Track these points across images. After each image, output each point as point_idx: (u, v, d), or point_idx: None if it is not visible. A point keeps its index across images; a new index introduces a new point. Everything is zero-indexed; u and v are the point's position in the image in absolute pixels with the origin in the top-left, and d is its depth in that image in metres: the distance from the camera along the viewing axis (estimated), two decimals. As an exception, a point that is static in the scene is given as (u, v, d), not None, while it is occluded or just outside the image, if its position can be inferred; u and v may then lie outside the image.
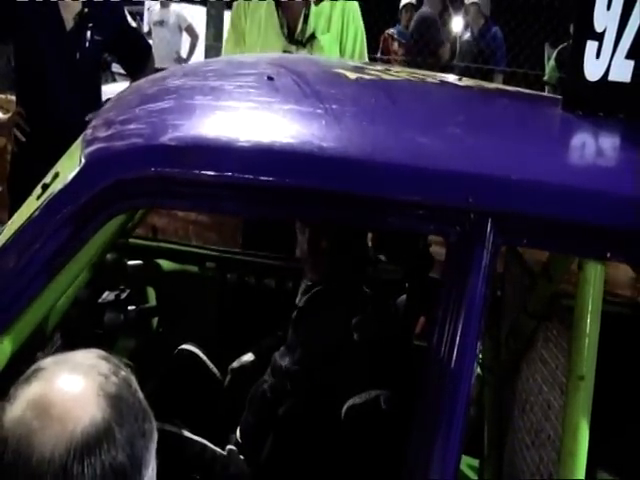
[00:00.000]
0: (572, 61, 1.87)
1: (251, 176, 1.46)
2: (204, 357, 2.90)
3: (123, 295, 2.71)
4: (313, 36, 3.48)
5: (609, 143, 1.75)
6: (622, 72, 1.91)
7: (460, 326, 1.52)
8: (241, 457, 2.58)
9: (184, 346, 2.91)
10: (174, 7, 8.64)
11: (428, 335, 1.61)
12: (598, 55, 1.83)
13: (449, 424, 1.49)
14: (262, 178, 1.46)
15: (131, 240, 3.05)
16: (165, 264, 3.10)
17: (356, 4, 3.63)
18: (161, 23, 8.37)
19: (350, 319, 2.38)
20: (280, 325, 2.74)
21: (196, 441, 2.53)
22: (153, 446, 1.09)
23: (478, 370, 2.66)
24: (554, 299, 1.96)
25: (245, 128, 1.54)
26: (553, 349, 1.89)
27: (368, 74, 1.97)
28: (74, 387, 1.05)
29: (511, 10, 7.90)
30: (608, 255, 1.54)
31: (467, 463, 2.88)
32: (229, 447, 2.60)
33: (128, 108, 1.68)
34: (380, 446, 2.22)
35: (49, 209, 1.50)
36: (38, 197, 1.58)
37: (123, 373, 1.11)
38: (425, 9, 7.77)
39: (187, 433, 2.53)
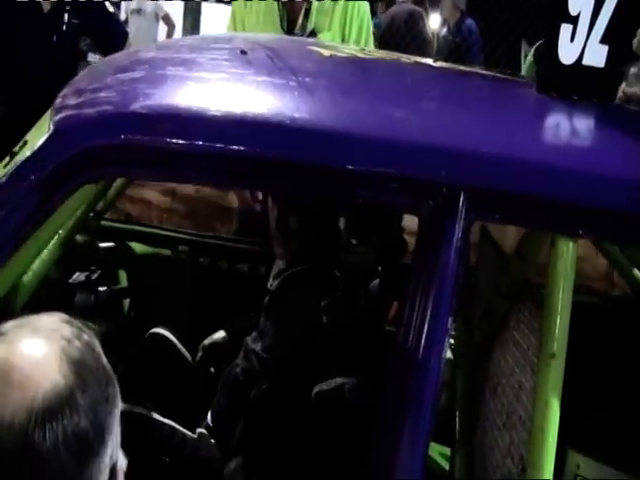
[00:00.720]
0: (546, 44, 1.87)
1: (222, 145, 1.44)
2: (175, 341, 2.88)
3: (94, 276, 2.68)
4: (313, 33, 3.44)
5: (583, 122, 1.75)
6: (596, 57, 1.91)
7: (432, 302, 1.50)
8: (212, 441, 2.56)
9: (155, 330, 2.89)
10: (152, -4, 8.60)
11: (399, 316, 1.59)
12: (572, 38, 1.82)
13: (418, 409, 1.47)
14: (233, 147, 1.44)
15: (103, 222, 3.02)
16: (137, 247, 3.08)
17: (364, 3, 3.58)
18: (138, 11, 8.32)
19: (320, 302, 2.36)
20: (252, 310, 2.73)
21: (165, 424, 2.51)
22: (117, 412, 1.07)
23: (450, 355, 2.66)
24: (527, 280, 1.95)
25: (216, 98, 1.52)
26: (525, 330, 1.88)
27: (342, 52, 1.96)
28: (35, 351, 1.02)
29: (488, 4, 7.88)
30: (580, 232, 1.54)
31: (439, 451, 2.87)
32: (199, 430, 2.58)
33: (99, 77, 1.66)
34: (343, 436, 2.20)
35: (16, 176, 1.47)
36: (5, 165, 1.55)
37: (86, 337, 1.08)
38: (406, 3, 7.73)
39: (157, 416, 2.51)
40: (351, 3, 3.51)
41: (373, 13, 8.44)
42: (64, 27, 3.60)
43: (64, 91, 1.65)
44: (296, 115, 1.48)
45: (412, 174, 1.48)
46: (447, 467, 2.77)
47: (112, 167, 1.51)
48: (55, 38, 3.59)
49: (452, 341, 2.70)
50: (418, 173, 1.48)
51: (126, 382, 2.69)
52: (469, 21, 7.79)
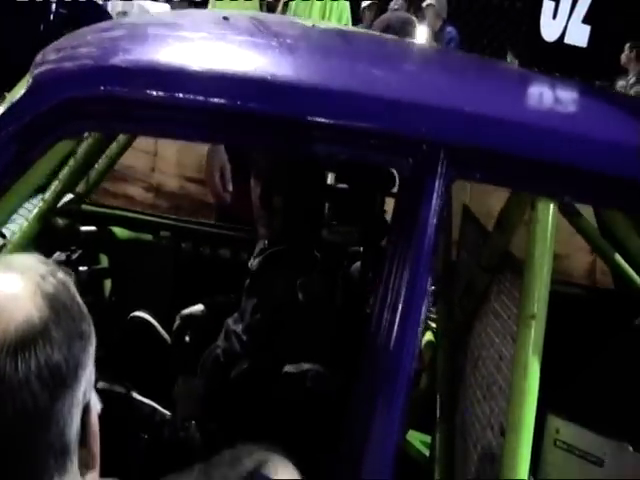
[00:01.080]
0: (529, 19, 1.87)
1: (202, 97, 1.44)
2: (156, 324, 2.86)
3: (74, 256, 2.67)
4: None
5: (565, 88, 1.75)
6: (578, 36, 1.92)
7: (410, 262, 1.50)
8: (192, 422, 2.54)
9: (136, 313, 2.87)
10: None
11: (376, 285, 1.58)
12: (555, 16, 1.83)
13: (391, 391, 1.47)
14: (213, 100, 1.44)
15: (84, 206, 3.00)
16: (119, 231, 3.05)
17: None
18: (124, 14, 8.34)
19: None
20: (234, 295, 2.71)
21: (145, 403, 2.49)
22: (91, 350, 1.06)
23: (431, 337, 2.65)
24: (507, 252, 1.95)
25: (198, 53, 1.52)
26: (505, 300, 1.87)
27: (325, 25, 1.96)
28: (9, 285, 1.01)
29: (471, 12, 7.93)
30: (560, 193, 1.54)
31: (420, 439, 2.86)
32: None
33: (80, 37, 1.66)
34: (300, 422, 2.18)
35: (-6, 127, 1.46)
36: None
37: (61, 275, 1.07)
38: (400, 11, 7.75)
39: (136, 395, 2.49)
40: (329, 2, 3.52)
41: (358, 20, 8.48)
42: (51, 17, 3.60)
43: (45, 49, 1.64)
44: (277, 71, 1.48)
45: (392, 130, 1.48)
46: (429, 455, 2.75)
47: (91, 120, 1.50)
48: (42, 27, 3.59)
49: (434, 325, 2.69)
50: (398, 129, 1.48)
51: (107, 364, 2.68)
52: (450, 29, 7.83)
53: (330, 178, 2.81)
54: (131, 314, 2.87)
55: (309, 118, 1.46)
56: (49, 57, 1.56)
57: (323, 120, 1.46)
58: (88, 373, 1.04)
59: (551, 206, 1.55)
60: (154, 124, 1.50)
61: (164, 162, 5.08)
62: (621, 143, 1.51)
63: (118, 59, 1.48)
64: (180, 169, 5.01)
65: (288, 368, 2.23)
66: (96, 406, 1.08)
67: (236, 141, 1.54)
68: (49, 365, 0.98)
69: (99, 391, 1.08)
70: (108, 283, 3.07)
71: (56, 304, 1.02)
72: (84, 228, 2.95)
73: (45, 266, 1.08)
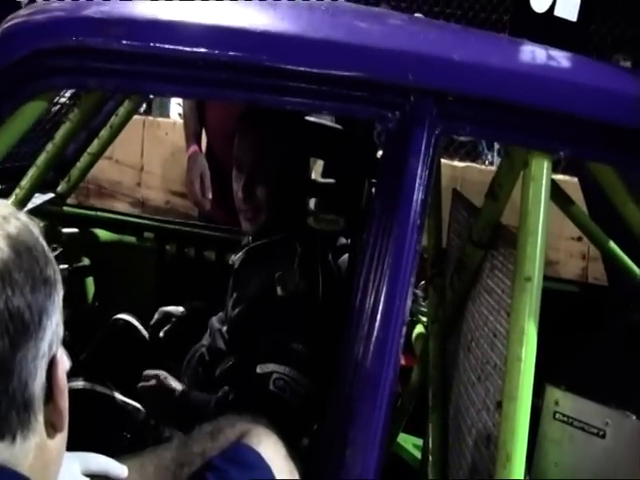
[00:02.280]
0: (517, -12, 1.84)
1: (178, 46, 1.37)
2: (139, 326, 2.79)
3: (55, 254, 2.59)
4: None
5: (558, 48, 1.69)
6: (568, 10, 1.89)
7: (399, 223, 1.43)
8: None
9: (119, 315, 2.80)
10: None
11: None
12: (544, -14, 1.79)
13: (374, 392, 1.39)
14: (189, 49, 1.37)
15: (66, 208, 2.94)
16: (102, 233, 2.99)
17: None
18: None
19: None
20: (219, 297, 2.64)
21: (128, 403, 2.41)
22: (57, 298, 0.98)
23: (422, 329, 2.58)
24: (500, 225, 1.88)
25: (173, 5, 1.45)
26: (499, 275, 1.80)
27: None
28: None
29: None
30: (556, 146, 1.47)
31: (413, 443, 2.78)
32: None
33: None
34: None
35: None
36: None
37: (25, 218, 1.00)
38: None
39: (119, 395, 2.42)
40: None
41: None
42: None
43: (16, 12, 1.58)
44: (256, 20, 1.42)
45: (377, 79, 1.41)
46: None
47: (63, 76, 1.44)
48: None
49: (424, 319, 2.63)
50: (384, 78, 1.41)
51: (89, 366, 2.60)
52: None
53: (316, 170, 2.76)
54: (114, 316, 2.80)
55: (290, 67, 1.39)
56: (19, 13, 1.50)
57: (304, 69, 1.39)
58: (54, 323, 0.97)
59: (545, 163, 1.48)
60: (129, 78, 1.43)
61: (150, 177, 5.04)
62: (620, 91, 1.45)
63: (91, 10, 1.43)
64: (166, 183, 4.97)
65: (260, 368, 2.14)
66: (64, 362, 1.01)
67: (214, 95, 1.48)
68: (10, 309, 0.90)
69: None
70: (91, 287, 3.00)
71: (18, 245, 0.94)
72: (66, 230, 2.89)
73: (7, 209, 1.01)
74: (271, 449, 1.32)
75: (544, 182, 1.49)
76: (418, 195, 1.41)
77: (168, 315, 2.65)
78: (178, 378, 2.51)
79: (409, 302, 1.42)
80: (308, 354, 2.13)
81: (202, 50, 1.39)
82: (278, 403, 2.07)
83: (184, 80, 1.43)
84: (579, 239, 4.31)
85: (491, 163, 6.09)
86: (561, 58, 1.58)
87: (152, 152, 5.07)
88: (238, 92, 1.45)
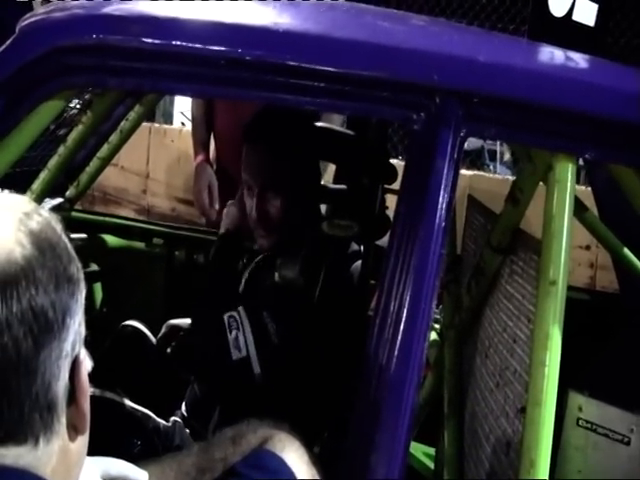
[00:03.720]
0: (537, -8, 1.84)
1: (200, 45, 1.35)
2: (148, 333, 2.76)
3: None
4: None
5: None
6: (586, 14, 1.88)
7: (424, 227, 1.41)
8: (186, 430, 2.45)
9: (128, 322, 2.78)
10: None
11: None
12: (563, -10, 1.78)
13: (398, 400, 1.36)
14: (212, 47, 1.35)
15: (74, 213, 2.91)
16: (110, 239, 2.96)
17: None
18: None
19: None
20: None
21: (138, 410, 2.39)
22: (80, 297, 0.96)
23: (436, 337, 2.55)
24: (519, 230, 1.86)
25: (194, 3, 1.44)
26: (519, 280, 1.78)
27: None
28: None
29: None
30: (582, 149, 1.45)
31: (423, 452, 2.75)
32: (173, 419, 2.46)
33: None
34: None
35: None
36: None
37: (47, 215, 0.98)
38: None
39: (129, 402, 2.39)
40: None
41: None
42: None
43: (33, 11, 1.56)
44: (280, 20, 1.40)
45: (402, 80, 1.39)
46: (432, 467, 2.65)
47: (82, 75, 1.41)
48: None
49: (437, 326, 2.60)
50: (409, 79, 1.39)
51: (98, 373, 2.58)
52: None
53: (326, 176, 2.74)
54: (123, 323, 2.78)
55: (313, 67, 1.37)
56: (37, 12, 1.48)
57: (327, 69, 1.37)
58: (77, 323, 0.94)
59: (570, 166, 1.46)
60: (150, 77, 1.41)
61: (155, 184, 5.03)
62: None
63: (111, 8, 1.41)
64: (171, 190, 4.96)
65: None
66: (86, 363, 0.98)
67: (236, 95, 1.46)
68: (33, 308, 0.88)
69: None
70: (99, 293, 2.97)
71: (41, 242, 0.92)
72: (74, 235, 2.86)
73: (30, 204, 0.98)
74: (294, 455, 1.29)
75: (569, 185, 1.47)
76: (444, 197, 1.38)
77: (175, 329, 2.62)
78: (188, 383, 2.50)
79: (434, 306, 1.40)
80: (281, 338, 2.12)
81: (224, 49, 1.37)
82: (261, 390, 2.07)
83: (205, 79, 1.41)
84: (587, 248, 4.30)
85: (494, 172, 6.10)
86: (585, 60, 1.56)
87: (158, 159, 5.06)
88: (260, 92, 1.43)
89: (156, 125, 5.25)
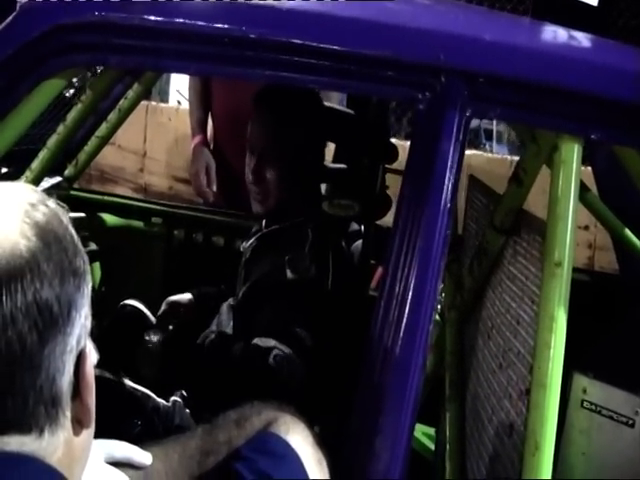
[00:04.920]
0: (543, -28, 1.82)
1: (204, 23, 1.33)
2: (147, 312, 2.75)
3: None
4: None
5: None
6: (590, -6, 1.87)
7: (430, 207, 1.40)
8: (187, 410, 2.43)
9: (127, 301, 2.76)
10: None
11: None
12: (568, -30, 1.77)
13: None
14: (216, 25, 1.33)
15: (73, 192, 2.89)
16: (109, 218, 2.94)
17: None
18: None
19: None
20: (228, 283, 2.61)
21: (138, 389, 2.38)
22: (86, 290, 0.94)
23: (436, 317, 2.54)
24: (523, 210, 1.85)
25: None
26: (522, 261, 1.77)
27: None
28: None
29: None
30: (586, 130, 1.44)
31: (423, 431, 2.75)
32: (173, 398, 2.44)
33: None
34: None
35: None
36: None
37: (54, 206, 0.96)
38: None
39: (128, 382, 2.38)
40: None
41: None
42: None
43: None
44: (284, -4, 1.38)
45: (408, 59, 1.38)
46: (432, 447, 2.65)
47: (83, 53, 1.40)
48: None
49: (438, 306, 2.59)
50: (414, 58, 1.37)
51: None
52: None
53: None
54: (122, 302, 2.76)
55: (318, 45, 1.35)
56: (38, -10, 1.45)
57: (332, 47, 1.35)
58: (83, 317, 0.93)
59: (576, 147, 1.45)
60: (152, 55, 1.39)
61: (153, 162, 5.01)
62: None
63: (113, -14, 1.38)
64: (169, 169, 4.94)
65: (256, 340, 2.12)
66: (92, 356, 0.97)
67: (240, 74, 1.43)
68: (38, 302, 0.86)
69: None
70: (98, 272, 2.96)
71: (46, 234, 0.90)
72: (72, 214, 2.83)
73: (36, 194, 0.97)
74: (299, 437, 1.28)
75: (574, 166, 1.46)
76: (449, 178, 1.37)
77: (175, 305, 2.61)
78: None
79: (439, 287, 1.39)
80: (311, 343, 2.11)
81: (228, 27, 1.35)
82: (275, 379, 2.05)
83: (208, 58, 1.39)
84: (586, 228, 4.29)
85: (490, 152, 6.08)
86: (591, 41, 1.55)
87: (155, 138, 5.03)
88: (264, 70, 1.41)
89: (153, 104, 5.22)
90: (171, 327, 2.60)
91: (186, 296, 2.67)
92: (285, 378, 2.05)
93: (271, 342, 2.10)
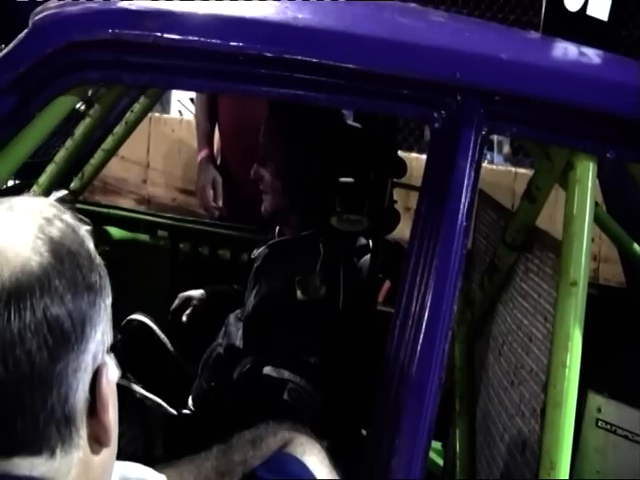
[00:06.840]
0: (552, -13, 1.82)
1: (218, 41, 1.32)
2: (154, 327, 2.73)
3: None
4: None
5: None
6: (600, 9, 1.87)
7: (445, 230, 1.39)
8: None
9: (133, 316, 2.75)
10: None
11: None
12: (578, -15, 1.77)
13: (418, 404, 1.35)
14: (231, 43, 1.32)
15: (79, 205, 2.88)
16: (115, 231, 2.93)
17: None
18: None
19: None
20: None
21: (149, 397, 2.36)
22: (103, 305, 0.92)
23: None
24: (535, 228, 1.84)
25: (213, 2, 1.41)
26: (535, 278, 1.76)
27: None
28: (8, 226, 0.89)
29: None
30: (602, 149, 1.43)
31: (431, 447, 2.73)
32: (183, 411, 2.44)
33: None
34: None
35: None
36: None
37: (70, 220, 0.95)
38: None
39: (139, 389, 2.37)
40: None
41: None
42: None
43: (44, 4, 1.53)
44: (300, 15, 1.38)
45: (424, 78, 1.37)
46: (439, 462, 2.63)
47: (96, 70, 1.39)
48: None
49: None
50: (430, 76, 1.36)
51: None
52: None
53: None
54: (128, 317, 2.75)
55: (333, 64, 1.35)
56: (50, 5, 1.44)
57: (348, 66, 1.34)
58: (100, 333, 0.90)
59: (591, 165, 1.44)
60: (162, 74, 1.38)
61: (156, 173, 5.00)
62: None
63: (127, 2, 1.38)
64: (172, 180, 4.93)
65: (268, 370, 2.10)
66: (112, 373, 0.94)
67: (254, 91, 1.43)
68: (48, 319, 0.84)
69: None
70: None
71: (60, 250, 0.88)
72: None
73: (53, 209, 0.95)
74: (315, 459, 1.27)
75: (590, 185, 1.45)
76: (466, 196, 1.36)
77: (188, 299, 2.61)
78: (194, 380, 2.48)
79: (455, 307, 1.38)
80: (323, 367, 2.09)
81: (242, 45, 1.34)
82: (290, 414, 2.03)
83: (223, 76, 1.38)
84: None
85: (491, 162, 6.07)
86: (606, 58, 1.54)
87: (158, 149, 5.03)
88: (279, 89, 1.40)
89: (156, 115, 5.22)
90: (185, 319, 2.60)
91: (198, 292, 2.67)
92: (300, 412, 2.03)
93: (285, 374, 2.07)
